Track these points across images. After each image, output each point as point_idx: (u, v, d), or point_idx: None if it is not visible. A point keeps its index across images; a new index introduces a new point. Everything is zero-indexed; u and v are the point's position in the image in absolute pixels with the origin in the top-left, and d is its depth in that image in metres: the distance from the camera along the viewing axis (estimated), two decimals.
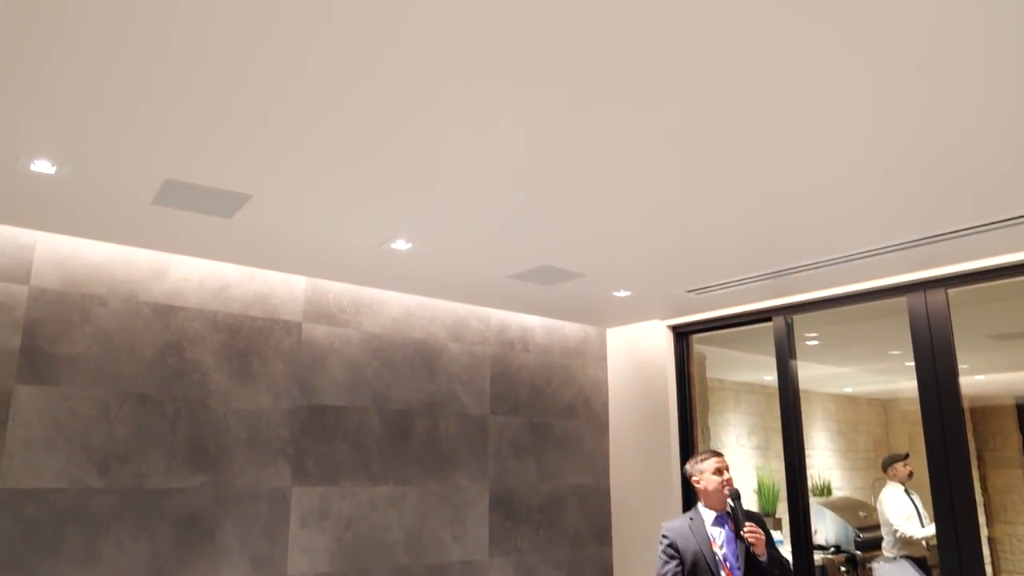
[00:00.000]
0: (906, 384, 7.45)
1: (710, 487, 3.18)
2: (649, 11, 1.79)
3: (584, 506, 5.39)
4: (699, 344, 5.57)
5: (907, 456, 5.44)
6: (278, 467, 4.09)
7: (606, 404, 5.71)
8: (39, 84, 2.19)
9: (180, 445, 3.79)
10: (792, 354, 4.72)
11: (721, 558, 3.07)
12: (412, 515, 4.54)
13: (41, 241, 3.59)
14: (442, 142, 2.53)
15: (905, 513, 5.16)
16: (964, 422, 3.83)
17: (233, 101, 2.27)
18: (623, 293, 4.64)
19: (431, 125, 2.40)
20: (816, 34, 1.88)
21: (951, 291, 3.98)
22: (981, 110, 2.25)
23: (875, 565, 5.34)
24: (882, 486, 5.42)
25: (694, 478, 3.24)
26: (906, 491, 5.29)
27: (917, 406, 3.95)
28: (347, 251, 3.83)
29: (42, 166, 2.78)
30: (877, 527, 5.74)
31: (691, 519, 3.20)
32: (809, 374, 7.02)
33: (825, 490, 7.15)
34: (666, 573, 3.10)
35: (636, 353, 5.57)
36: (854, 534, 6.12)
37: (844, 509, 6.39)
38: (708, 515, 3.19)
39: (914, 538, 5.07)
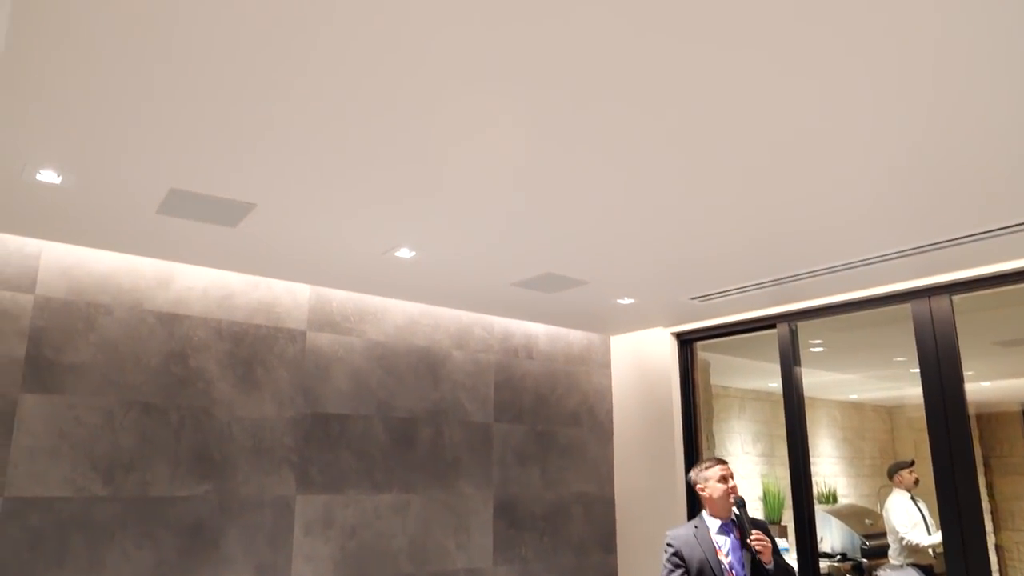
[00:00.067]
0: (911, 391, 7.42)
1: (715, 495, 3.17)
2: (650, 14, 1.79)
3: (588, 514, 5.38)
4: (703, 351, 5.56)
5: (913, 463, 5.42)
6: (282, 475, 4.09)
7: (610, 411, 5.70)
8: (44, 94, 2.20)
9: (184, 453, 3.79)
10: (796, 361, 4.71)
11: (727, 566, 3.05)
12: (416, 523, 4.53)
13: (46, 250, 3.60)
14: (444, 145, 2.53)
15: (911, 520, 5.13)
16: (970, 429, 3.81)
17: (236, 105, 2.28)
18: (627, 300, 4.64)
19: (432, 128, 2.41)
20: (820, 38, 1.88)
21: (956, 297, 3.97)
22: (985, 115, 2.25)
23: (881, 573, 5.30)
24: (888, 493, 5.39)
25: (699, 486, 3.23)
26: (912, 498, 5.26)
27: (923, 413, 3.95)
28: (351, 259, 3.83)
29: (47, 176, 2.79)
30: (883, 535, 5.72)
31: (696, 527, 3.18)
32: (814, 381, 7.00)
33: (831, 497, 7.11)
34: None
35: (640, 360, 5.56)
36: (860, 542, 6.08)
37: (850, 516, 6.35)
38: (713, 523, 3.17)
39: (920, 546, 5.04)
